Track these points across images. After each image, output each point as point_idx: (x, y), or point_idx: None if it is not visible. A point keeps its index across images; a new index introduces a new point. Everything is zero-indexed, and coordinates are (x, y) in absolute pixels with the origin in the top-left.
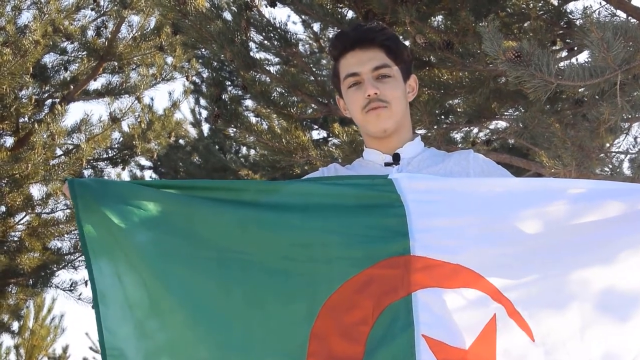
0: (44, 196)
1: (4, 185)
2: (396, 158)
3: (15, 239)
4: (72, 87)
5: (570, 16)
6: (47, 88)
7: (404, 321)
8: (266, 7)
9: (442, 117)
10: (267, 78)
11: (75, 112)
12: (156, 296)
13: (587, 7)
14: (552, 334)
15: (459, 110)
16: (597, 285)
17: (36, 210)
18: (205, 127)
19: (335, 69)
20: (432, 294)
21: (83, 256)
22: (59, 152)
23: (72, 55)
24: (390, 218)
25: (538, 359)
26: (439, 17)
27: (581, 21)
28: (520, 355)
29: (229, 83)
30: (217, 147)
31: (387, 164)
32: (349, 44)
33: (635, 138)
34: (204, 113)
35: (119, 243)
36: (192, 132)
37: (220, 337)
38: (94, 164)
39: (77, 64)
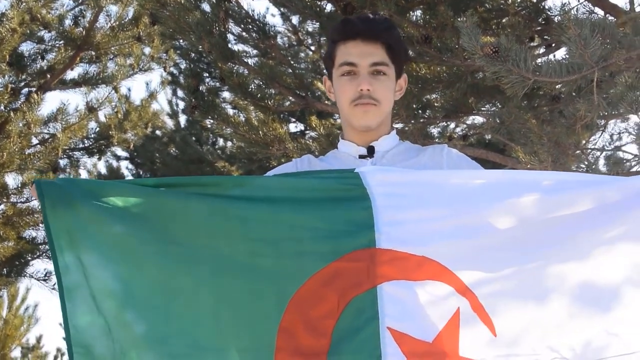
0: (19, 185)
1: None
2: (371, 151)
3: None
4: (48, 76)
5: (548, 12)
6: (23, 77)
7: (369, 314)
8: None
9: (420, 111)
10: (245, 70)
11: (51, 101)
12: (130, 289)
13: (565, 3)
14: (515, 329)
15: (436, 104)
16: (572, 278)
17: (11, 200)
18: (182, 119)
19: (332, 52)
20: (398, 286)
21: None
22: (34, 141)
23: (49, 44)
24: (357, 211)
25: (499, 354)
26: (418, 12)
27: (559, 18)
28: (482, 350)
29: (207, 74)
30: (194, 138)
31: (361, 157)
32: (353, 32)
33: (611, 135)
34: (181, 104)
35: (90, 238)
36: (169, 123)
37: (191, 331)
38: (70, 153)
39: (54, 53)
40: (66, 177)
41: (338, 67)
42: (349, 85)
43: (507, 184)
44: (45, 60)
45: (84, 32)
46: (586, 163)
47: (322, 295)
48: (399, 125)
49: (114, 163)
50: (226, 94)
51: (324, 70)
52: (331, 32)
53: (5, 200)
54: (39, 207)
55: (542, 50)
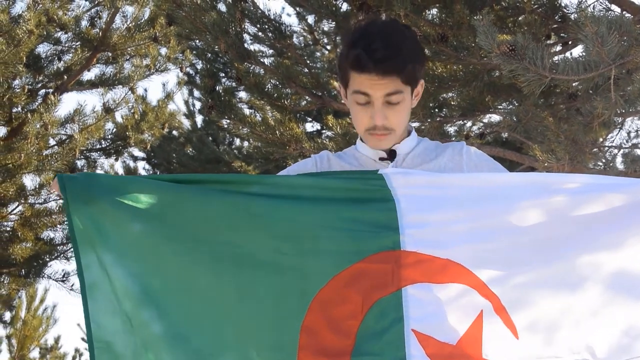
0: (37, 186)
1: None
2: (391, 154)
3: (8, 229)
4: (65, 77)
5: (564, 10)
6: (40, 78)
7: (394, 316)
8: None
9: (436, 110)
10: (261, 70)
11: (68, 102)
12: (150, 288)
13: (581, 1)
14: (537, 331)
15: (452, 103)
16: (594, 280)
17: (29, 201)
18: (199, 119)
19: (345, 74)
20: (422, 289)
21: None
22: (52, 142)
23: (66, 45)
24: (381, 212)
25: (522, 356)
26: (434, 10)
27: (576, 15)
28: (504, 352)
29: (223, 74)
30: (210, 138)
31: (381, 159)
32: (367, 67)
33: (629, 133)
34: (198, 104)
35: (110, 235)
36: (186, 123)
37: (212, 330)
38: (87, 154)
39: (70, 54)
40: (87, 172)
41: (352, 93)
42: (363, 114)
43: (529, 187)
44: (62, 62)
45: (100, 33)
46: (603, 161)
47: (346, 295)
48: (416, 124)
49: (131, 164)
50: (242, 94)
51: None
52: (344, 57)
53: (23, 201)
54: (57, 208)
55: (558, 48)
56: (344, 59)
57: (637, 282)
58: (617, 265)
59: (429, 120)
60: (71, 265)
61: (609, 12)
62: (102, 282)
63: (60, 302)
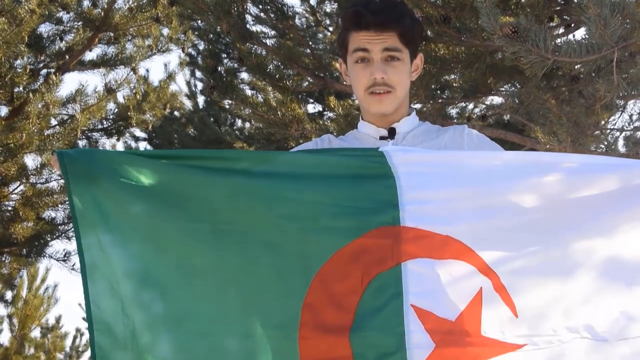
0: (39, 166)
1: None
2: (392, 132)
3: (9, 208)
4: (67, 57)
5: None
6: (42, 58)
7: (393, 290)
8: None
9: (438, 91)
10: (263, 51)
11: (70, 82)
12: (152, 268)
13: None
14: (536, 309)
15: (454, 85)
16: (594, 259)
17: (30, 180)
18: (201, 100)
19: (344, 39)
20: (422, 264)
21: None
22: (53, 122)
23: (68, 25)
24: (381, 189)
25: (520, 334)
26: None
27: None
28: (503, 329)
29: (225, 55)
30: (212, 119)
31: (382, 138)
32: (364, 23)
33: (631, 115)
34: (200, 85)
35: (111, 215)
36: (188, 104)
37: (216, 307)
38: (89, 134)
39: (72, 34)
40: (87, 148)
41: (351, 53)
42: (363, 73)
43: (529, 165)
44: (63, 42)
45: (102, 13)
46: (605, 143)
47: (347, 271)
48: (418, 106)
49: (133, 144)
50: (244, 75)
51: (339, 52)
52: (343, 19)
53: (24, 180)
54: (59, 188)
55: (561, 30)
56: (343, 22)
57: (630, 266)
58: (613, 249)
59: (431, 101)
60: (72, 245)
61: None
62: (102, 264)
63: (62, 282)
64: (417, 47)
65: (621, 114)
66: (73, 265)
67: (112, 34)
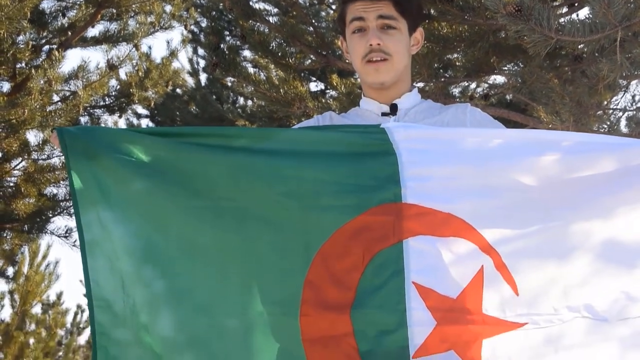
0: (40, 142)
1: (0, 130)
2: (393, 109)
3: (11, 184)
4: (69, 33)
5: None
6: (44, 34)
7: (395, 268)
8: None
9: (441, 70)
10: (266, 28)
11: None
12: (152, 245)
13: None
14: (537, 288)
15: (457, 64)
16: (595, 238)
17: (32, 156)
18: (203, 77)
19: (342, 12)
20: (424, 241)
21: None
22: (55, 98)
23: (70, 1)
24: (382, 166)
25: (521, 312)
26: None
27: None
28: (504, 308)
29: (227, 32)
30: (214, 96)
31: (384, 114)
32: None
33: (634, 96)
34: (202, 63)
35: (111, 192)
36: (190, 81)
37: (216, 285)
38: (91, 111)
39: (75, 11)
40: (87, 125)
41: (349, 24)
42: (360, 42)
43: (532, 144)
44: (66, 18)
45: None
46: (608, 123)
47: (348, 248)
48: (420, 85)
49: (135, 121)
50: (247, 52)
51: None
52: None
53: (26, 156)
54: (60, 165)
55: (565, 10)
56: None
57: (631, 246)
58: (614, 229)
59: (433, 80)
60: (74, 222)
61: None
62: (102, 241)
63: (63, 258)
64: (415, 20)
65: (624, 94)
66: (74, 241)
67: (114, 11)
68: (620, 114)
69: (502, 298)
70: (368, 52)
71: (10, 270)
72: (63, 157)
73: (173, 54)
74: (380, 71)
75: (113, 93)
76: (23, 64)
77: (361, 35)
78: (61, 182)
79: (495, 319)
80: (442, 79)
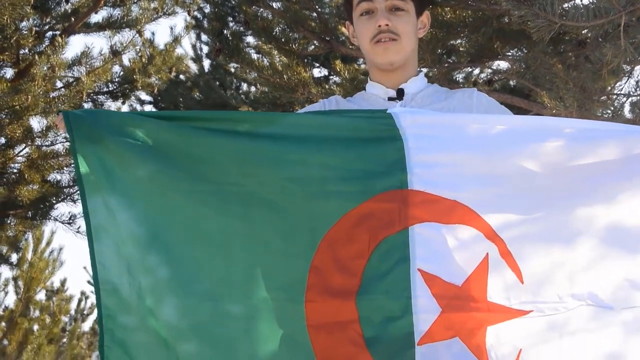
0: (44, 128)
1: (3, 116)
2: (400, 93)
3: (15, 170)
4: (73, 19)
5: None
6: (47, 20)
7: (400, 254)
8: None
9: (445, 56)
10: (270, 14)
11: (76, 44)
12: (157, 231)
13: None
14: (542, 276)
15: (461, 49)
16: (599, 225)
17: (36, 143)
18: (206, 63)
19: None
20: (429, 228)
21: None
22: (59, 84)
23: None
24: (389, 151)
25: (526, 300)
26: None
27: None
28: (509, 295)
29: (231, 18)
30: (217, 83)
31: (390, 99)
32: None
33: (638, 81)
34: (205, 49)
35: (117, 177)
36: (193, 67)
37: (221, 270)
38: (94, 97)
39: None
40: (93, 108)
41: (356, 7)
42: (368, 24)
43: (537, 130)
44: (69, 4)
45: None
46: (612, 109)
47: (354, 234)
48: (424, 70)
49: (138, 107)
50: (250, 39)
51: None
52: None
53: (30, 143)
54: (64, 151)
55: None
56: None
57: (635, 233)
58: (618, 217)
59: (437, 66)
60: (78, 208)
61: None
62: (108, 225)
63: (67, 245)
64: (422, 3)
65: (628, 79)
66: (78, 228)
67: None
68: (624, 99)
69: (507, 285)
70: (377, 34)
71: (14, 257)
72: (67, 143)
73: (176, 40)
74: (390, 50)
75: (116, 79)
76: (26, 50)
77: (369, 17)
78: (65, 168)
79: (500, 306)
80: (446, 65)
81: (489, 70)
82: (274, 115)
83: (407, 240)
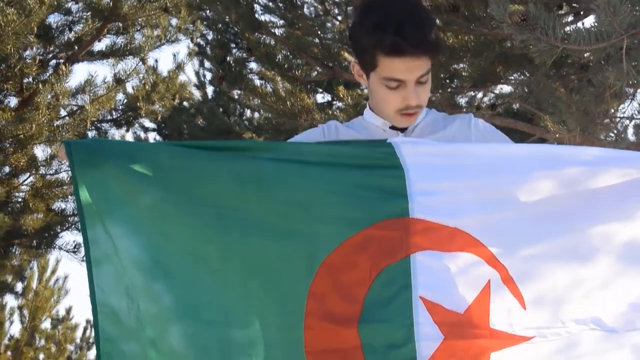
0: (48, 157)
1: (8, 145)
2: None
3: (19, 199)
4: (76, 47)
5: None
6: (51, 48)
7: (402, 282)
8: None
9: (447, 81)
10: (272, 40)
11: (79, 73)
12: (158, 257)
13: None
14: (544, 301)
15: (463, 74)
16: (602, 251)
17: (40, 171)
18: (210, 90)
19: (372, 58)
20: (431, 256)
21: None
22: (63, 112)
23: (77, 15)
24: (390, 179)
25: (529, 326)
26: None
27: None
28: (511, 322)
29: (234, 45)
30: (221, 109)
31: (391, 128)
32: (401, 51)
33: None
34: (208, 75)
35: (118, 204)
36: (197, 94)
37: (223, 296)
38: (98, 125)
39: (81, 25)
40: (94, 137)
41: (381, 78)
42: (395, 96)
43: (536, 158)
44: (72, 32)
45: (111, 3)
46: (615, 132)
47: (354, 261)
48: None
49: (142, 134)
50: (253, 65)
51: (349, 43)
52: (372, 39)
53: (34, 172)
54: (68, 179)
55: (570, 18)
56: (371, 45)
57: (635, 258)
58: (626, 238)
59: (440, 91)
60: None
61: None
62: (108, 252)
63: (72, 273)
64: (437, 55)
65: (631, 102)
66: (83, 257)
67: (120, 24)
68: (628, 122)
69: (509, 312)
70: (404, 108)
71: (19, 286)
72: (70, 171)
73: (179, 67)
74: (413, 118)
75: (120, 107)
76: (30, 79)
77: (397, 90)
78: (69, 197)
79: (502, 332)
80: (449, 89)
81: (492, 95)
82: (274, 143)
83: (408, 268)
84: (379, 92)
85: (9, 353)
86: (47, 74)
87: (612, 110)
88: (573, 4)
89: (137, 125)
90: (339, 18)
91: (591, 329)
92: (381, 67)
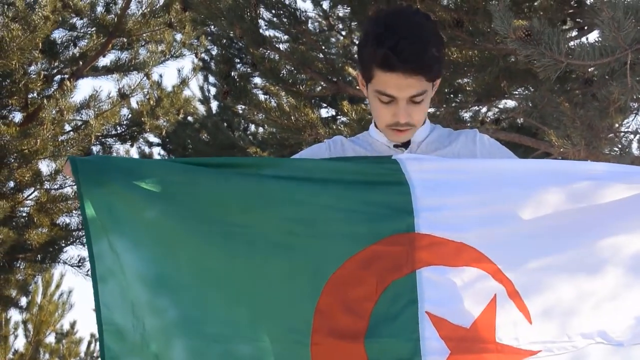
0: (53, 172)
1: (12, 160)
2: (406, 142)
3: (24, 214)
4: (81, 63)
5: None
6: (56, 64)
7: (409, 298)
8: None
9: (451, 96)
10: (277, 55)
11: (84, 88)
12: (164, 272)
13: None
14: (550, 316)
15: (468, 89)
16: (607, 265)
17: (45, 186)
18: (214, 105)
19: (370, 69)
20: (437, 271)
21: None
22: (67, 128)
23: (81, 31)
24: (395, 195)
25: (535, 340)
26: None
27: (592, 0)
28: (517, 337)
29: (238, 60)
30: (225, 124)
31: (396, 146)
32: (394, 66)
33: None
34: (213, 90)
35: (123, 220)
36: (201, 109)
37: (228, 312)
38: (103, 140)
39: (86, 40)
40: (100, 154)
41: (374, 90)
42: (386, 111)
43: (542, 173)
44: (77, 48)
45: (115, 18)
46: (619, 146)
47: (360, 277)
48: (431, 110)
49: (146, 149)
50: (258, 80)
51: (355, 55)
52: (370, 53)
53: (38, 186)
54: (73, 194)
55: (574, 33)
56: (368, 56)
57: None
58: (632, 252)
59: (444, 106)
60: (87, 251)
61: None
62: (114, 268)
63: (76, 288)
64: (437, 77)
65: (635, 116)
66: (87, 271)
67: (125, 40)
68: (632, 136)
69: (515, 326)
70: (394, 124)
71: (23, 300)
72: (75, 186)
73: (184, 82)
74: (403, 135)
75: (125, 122)
76: (35, 94)
77: (388, 105)
78: (74, 211)
79: (509, 347)
80: (453, 104)
81: (496, 109)
82: (279, 159)
83: (414, 283)
84: (373, 104)
85: None
86: (52, 89)
87: (617, 125)
88: (577, 19)
89: (141, 140)
90: (343, 33)
91: (597, 343)
92: (376, 79)
